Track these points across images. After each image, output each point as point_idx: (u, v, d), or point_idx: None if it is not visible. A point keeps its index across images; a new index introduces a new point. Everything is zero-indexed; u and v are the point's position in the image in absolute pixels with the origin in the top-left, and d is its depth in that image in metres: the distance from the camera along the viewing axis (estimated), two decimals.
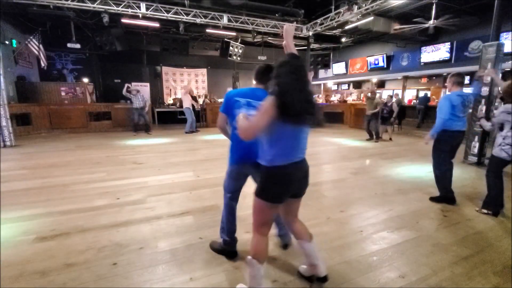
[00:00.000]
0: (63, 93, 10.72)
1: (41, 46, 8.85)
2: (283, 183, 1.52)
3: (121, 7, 7.60)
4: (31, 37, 8.66)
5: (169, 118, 11.82)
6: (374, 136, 7.64)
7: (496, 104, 4.91)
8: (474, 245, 2.33)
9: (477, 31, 9.64)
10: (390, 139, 7.83)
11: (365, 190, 3.67)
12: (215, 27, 9.33)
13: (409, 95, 14.42)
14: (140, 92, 8.80)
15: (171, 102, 12.97)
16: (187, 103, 8.87)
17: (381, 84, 15.77)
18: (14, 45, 9.10)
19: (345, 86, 18.35)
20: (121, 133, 9.03)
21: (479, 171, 4.64)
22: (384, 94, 15.08)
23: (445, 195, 3.21)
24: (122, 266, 2.01)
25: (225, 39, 10.72)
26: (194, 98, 9.48)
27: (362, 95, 16.79)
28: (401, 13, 9.04)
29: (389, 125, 7.87)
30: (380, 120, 7.61)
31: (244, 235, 2.47)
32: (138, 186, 3.76)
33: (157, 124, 11.34)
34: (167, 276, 1.90)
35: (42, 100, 9.96)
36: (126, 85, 8.66)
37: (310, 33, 10.05)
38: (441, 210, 3.03)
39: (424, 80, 14.13)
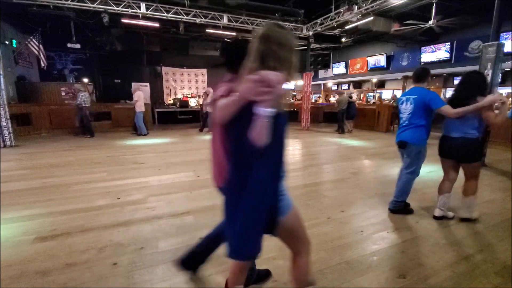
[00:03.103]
0: (63, 93, 10.72)
1: (41, 46, 8.84)
2: None
3: (121, 7, 7.59)
4: (31, 37, 8.65)
5: (169, 118, 11.84)
6: (341, 130, 9.39)
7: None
8: (475, 245, 2.33)
9: (477, 31, 9.64)
10: (351, 131, 9.56)
11: (366, 190, 3.67)
12: (215, 27, 9.32)
13: None
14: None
15: (171, 102, 12.97)
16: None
17: (381, 84, 15.76)
18: (14, 45, 9.10)
19: (345, 86, 18.34)
20: (121, 133, 9.03)
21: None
22: (384, 95, 15.11)
23: None
24: (122, 266, 2.01)
25: (225, 39, 10.72)
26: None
27: (362, 95, 16.80)
28: (401, 13, 9.03)
29: (351, 119, 9.55)
30: (346, 115, 9.30)
31: None
32: (138, 186, 3.76)
33: (157, 124, 11.35)
34: (168, 276, 1.90)
35: (42, 100, 9.95)
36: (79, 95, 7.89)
37: (310, 33, 10.04)
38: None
39: None
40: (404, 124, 2.79)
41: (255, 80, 0.97)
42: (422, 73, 2.76)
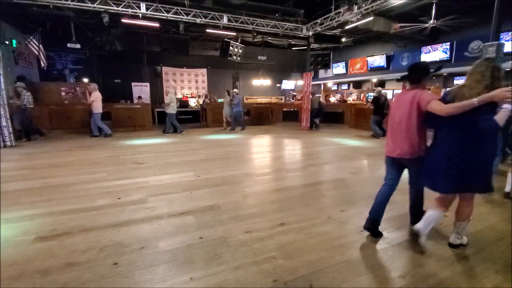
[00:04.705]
0: (63, 93, 10.72)
1: (41, 46, 8.83)
2: None
3: (121, 7, 7.59)
4: (31, 37, 8.64)
5: None
6: (314, 126, 10.47)
7: None
8: (475, 244, 2.33)
9: (477, 31, 9.63)
10: (318, 126, 10.61)
11: (365, 190, 3.67)
12: (215, 27, 9.31)
13: None
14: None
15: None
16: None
17: (381, 84, 15.76)
18: (14, 45, 9.09)
19: (345, 86, 18.33)
20: (121, 133, 9.04)
21: None
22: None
23: None
24: (123, 265, 2.01)
25: (225, 39, 10.72)
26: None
27: (362, 95, 16.78)
28: (401, 13, 9.03)
29: (320, 117, 10.67)
30: (317, 114, 10.40)
31: (245, 235, 2.47)
32: (138, 186, 3.77)
33: (157, 124, 11.34)
34: (168, 276, 1.90)
35: (42, 100, 9.94)
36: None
37: (310, 33, 10.04)
38: None
39: None
40: None
41: (509, 90, 1.75)
42: None
